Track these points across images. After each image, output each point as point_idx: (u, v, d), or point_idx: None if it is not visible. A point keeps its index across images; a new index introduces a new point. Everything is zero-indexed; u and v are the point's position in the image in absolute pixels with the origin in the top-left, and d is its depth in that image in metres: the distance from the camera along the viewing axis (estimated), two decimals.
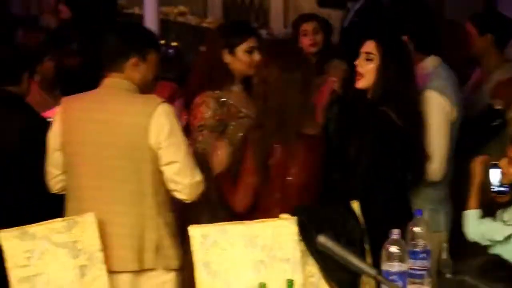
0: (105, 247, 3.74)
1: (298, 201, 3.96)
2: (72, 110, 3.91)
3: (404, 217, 3.77)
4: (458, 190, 4.38)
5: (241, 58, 4.49)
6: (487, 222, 3.83)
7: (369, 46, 4.18)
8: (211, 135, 4.36)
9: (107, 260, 3.74)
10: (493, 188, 3.85)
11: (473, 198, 3.88)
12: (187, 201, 3.93)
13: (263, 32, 6.39)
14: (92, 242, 3.67)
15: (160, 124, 3.77)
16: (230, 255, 3.62)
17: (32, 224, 3.59)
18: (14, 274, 3.50)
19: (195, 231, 3.63)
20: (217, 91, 4.44)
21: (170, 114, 3.82)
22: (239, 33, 4.55)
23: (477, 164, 3.92)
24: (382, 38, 4.23)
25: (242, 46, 4.48)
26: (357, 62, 4.20)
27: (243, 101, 4.45)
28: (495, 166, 3.82)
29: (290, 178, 4.04)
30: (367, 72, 4.15)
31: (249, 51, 4.50)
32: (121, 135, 3.78)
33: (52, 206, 4.00)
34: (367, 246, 3.83)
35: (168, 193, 3.90)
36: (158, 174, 3.83)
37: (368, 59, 4.16)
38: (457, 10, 6.75)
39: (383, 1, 6.76)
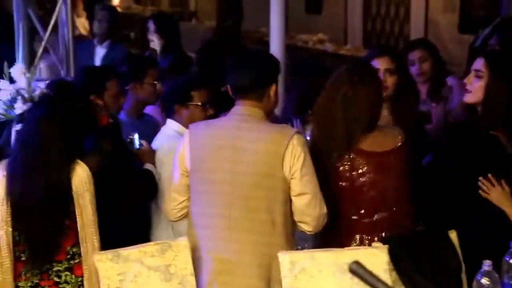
0: (231, 275, 3.79)
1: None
2: (202, 137, 3.90)
3: (504, 248, 3.62)
4: None
5: None
6: None
7: (478, 64, 4.08)
8: None
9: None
10: None
11: None
12: (310, 233, 3.92)
13: None
14: (185, 266, 3.72)
15: (296, 154, 3.76)
16: (318, 283, 3.59)
17: (126, 248, 3.68)
18: None
19: (284, 258, 3.63)
20: None
21: (304, 144, 3.82)
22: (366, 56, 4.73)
23: None
24: (491, 56, 4.13)
25: None
26: (465, 80, 4.12)
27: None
28: None
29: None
30: (475, 89, 4.05)
31: None
32: (257, 163, 3.77)
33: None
34: (464, 277, 3.71)
35: (294, 223, 3.88)
36: (288, 204, 3.82)
37: (476, 76, 4.06)
38: None
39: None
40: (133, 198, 4.45)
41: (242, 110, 3.88)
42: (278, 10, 6.82)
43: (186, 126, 4.54)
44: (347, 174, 3.95)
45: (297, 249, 3.96)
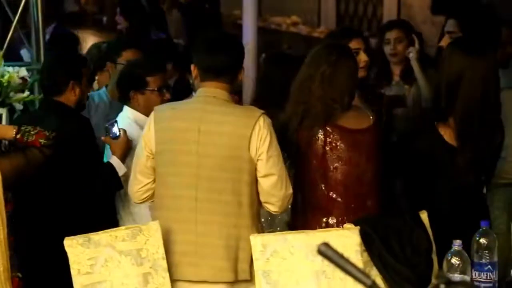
0: (198, 257, 3.77)
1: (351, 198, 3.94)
2: (167, 119, 3.89)
3: (474, 228, 3.64)
4: None
5: None
6: None
7: None
8: None
9: (197, 270, 3.77)
10: None
11: None
12: (276, 213, 3.94)
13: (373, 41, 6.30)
14: (156, 249, 3.69)
15: (262, 135, 3.76)
16: (290, 265, 3.59)
17: (97, 232, 3.66)
18: (77, 281, 3.56)
19: (256, 240, 3.62)
20: None
21: (270, 125, 3.81)
22: (340, 35, 4.72)
23: None
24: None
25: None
26: None
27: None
28: None
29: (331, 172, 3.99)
30: None
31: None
32: (222, 146, 3.77)
33: None
34: (434, 257, 3.72)
35: (260, 204, 3.89)
36: (254, 185, 3.82)
37: None
38: None
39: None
40: (91, 193, 4.42)
41: (208, 92, 3.87)
42: None
43: (143, 112, 4.54)
44: (321, 149, 3.97)
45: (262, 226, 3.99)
